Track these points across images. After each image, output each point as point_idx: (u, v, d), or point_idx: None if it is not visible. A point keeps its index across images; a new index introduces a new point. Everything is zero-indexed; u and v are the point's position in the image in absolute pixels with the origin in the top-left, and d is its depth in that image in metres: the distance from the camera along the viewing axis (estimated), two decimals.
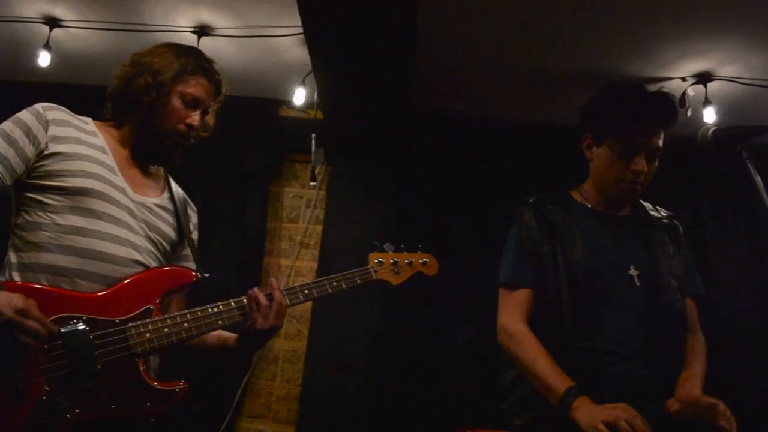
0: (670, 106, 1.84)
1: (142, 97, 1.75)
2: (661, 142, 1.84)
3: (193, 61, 1.81)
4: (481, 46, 3.45)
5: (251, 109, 4.23)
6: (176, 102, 1.78)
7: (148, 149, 1.81)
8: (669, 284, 1.86)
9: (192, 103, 1.80)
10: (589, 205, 1.97)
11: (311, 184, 4.14)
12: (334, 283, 1.88)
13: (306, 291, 1.83)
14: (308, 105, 3.90)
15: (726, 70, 3.50)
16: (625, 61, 3.48)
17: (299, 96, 3.74)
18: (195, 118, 1.80)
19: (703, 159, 3.92)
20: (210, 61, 1.86)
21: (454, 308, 3.75)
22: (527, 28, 3.27)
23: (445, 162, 4.11)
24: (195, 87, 1.80)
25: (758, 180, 1.50)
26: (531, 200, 1.98)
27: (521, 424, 1.80)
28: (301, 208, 4.29)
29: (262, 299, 1.72)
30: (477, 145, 4.10)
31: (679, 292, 1.88)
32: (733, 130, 1.59)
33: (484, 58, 3.56)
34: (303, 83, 3.72)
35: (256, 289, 1.75)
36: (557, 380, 1.66)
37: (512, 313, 1.87)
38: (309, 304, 4.01)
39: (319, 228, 4.20)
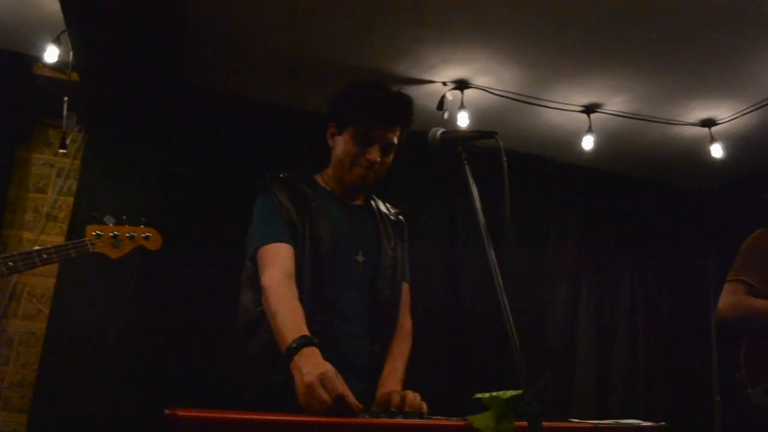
0: (405, 106, 1.99)
1: None
2: (395, 138, 1.97)
3: None
4: (255, 29, 3.41)
5: None
6: None
7: None
8: (385, 272, 2.00)
9: None
10: (329, 189, 2.05)
11: (60, 151, 3.79)
12: (44, 256, 1.77)
13: (10, 263, 1.68)
14: (65, 64, 3.56)
15: (480, 80, 3.80)
16: (393, 61, 3.64)
17: (51, 54, 3.39)
18: None
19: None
20: None
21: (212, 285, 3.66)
22: (303, 17, 3.29)
23: (213, 140, 3.99)
24: None
25: (472, 181, 1.63)
26: (281, 175, 2.01)
27: (249, 398, 1.81)
28: (51, 177, 3.92)
29: None
30: (246, 126, 4.05)
31: (394, 281, 2.03)
32: (456, 132, 1.72)
33: (258, 41, 3.52)
34: (57, 41, 3.38)
35: None
36: (294, 329, 1.62)
37: (272, 268, 1.81)
38: (52, 280, 3.69)
39: (70, 200, 3.86)
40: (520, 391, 1.27)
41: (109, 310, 3.59)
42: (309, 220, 1.90)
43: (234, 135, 4.04)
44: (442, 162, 3.93)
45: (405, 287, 2.13)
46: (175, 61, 3.22)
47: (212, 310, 3.57)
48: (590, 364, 4.73)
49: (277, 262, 1.82)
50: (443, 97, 3.79)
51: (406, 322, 2.10)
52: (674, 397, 4.87)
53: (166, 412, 1.10)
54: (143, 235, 2.04)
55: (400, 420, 1.38)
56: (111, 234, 1.94)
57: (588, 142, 4.16)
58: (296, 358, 1.54)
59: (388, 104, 1.96)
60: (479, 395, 1.31)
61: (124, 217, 2.01)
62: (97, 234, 1.92)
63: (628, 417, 1.82)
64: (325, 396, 1.39)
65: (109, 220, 1.95)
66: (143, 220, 2.06)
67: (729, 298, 2.46)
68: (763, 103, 3.94)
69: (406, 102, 2.00)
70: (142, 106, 3.65)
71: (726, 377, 4.78)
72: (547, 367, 4.49)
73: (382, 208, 2.17)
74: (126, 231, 1.99)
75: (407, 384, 1.91)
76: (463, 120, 3.80)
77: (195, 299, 3.65)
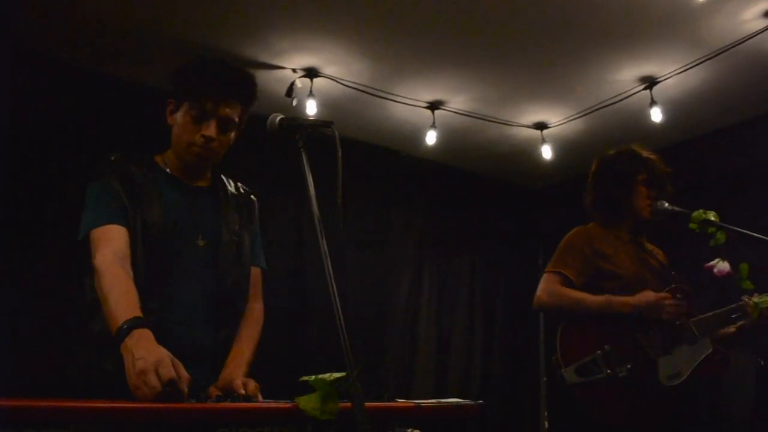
0: (242, 81, 1.95)
1: None
2: (235, 116, 1.92)
3: None
4: None
5: None
6: None
7: None
8: (227, 256, 1.95)
9: None
10: (169, 171, 1.98)
11: None
12: None
13: None
14: None
15: (330, 70, 3.84)
16: (243, 43, 3.59)
17: None
18: None
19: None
20: None
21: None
22: None
23: (41, 115, 3.62)
24: None
25: (308, 169, 1.66)
26: (112, 158, 1.91)
27: (78, 386, 1.74)
28: None
29: None
30: (84, 101, 3.74)
31: (239, 265, 1.98)
32: (295, 120, 1.73)
33: (98, 8, 3.32)
34: None
35: None
36: (127, 310, 1.57)
37: (105, 249, 1.73)
38: None
39: None
40: (344, 374, 1.31)
41: None
42: (139, 206, 1.83)
43: (69, 110, 3.70)
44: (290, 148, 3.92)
45: (256, 271, 2.09)
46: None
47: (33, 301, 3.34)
48: (430, 348, 4.96)
49: (110, 244, 1.75)
50: (292, 84, 3.78)
51: (256, 306, 2.06)
52: (506, 377, 5.26)
53: None
54: None
55: (227, 404, 1.38)
56: None
57: (431, 137, 4.33)
58: (127, 339, 1.49)
59: (221, 76, 1.90)
60: (305, 378, 1.34)
61: None
62: None
63: (466, 396, 1.93)
64: (155, 382, 1.35)
65: None
66: None
67: (546, 286, 2.68)
68: (588, 110, 4.31)
69: (244, 76, 1.96)
70: None
71: (550, 360, 5.26)
72: (384, 350, 4.64)
73: (231, 188, 2.09)
74: None
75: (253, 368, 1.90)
76: (311, 108, 3.81)
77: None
